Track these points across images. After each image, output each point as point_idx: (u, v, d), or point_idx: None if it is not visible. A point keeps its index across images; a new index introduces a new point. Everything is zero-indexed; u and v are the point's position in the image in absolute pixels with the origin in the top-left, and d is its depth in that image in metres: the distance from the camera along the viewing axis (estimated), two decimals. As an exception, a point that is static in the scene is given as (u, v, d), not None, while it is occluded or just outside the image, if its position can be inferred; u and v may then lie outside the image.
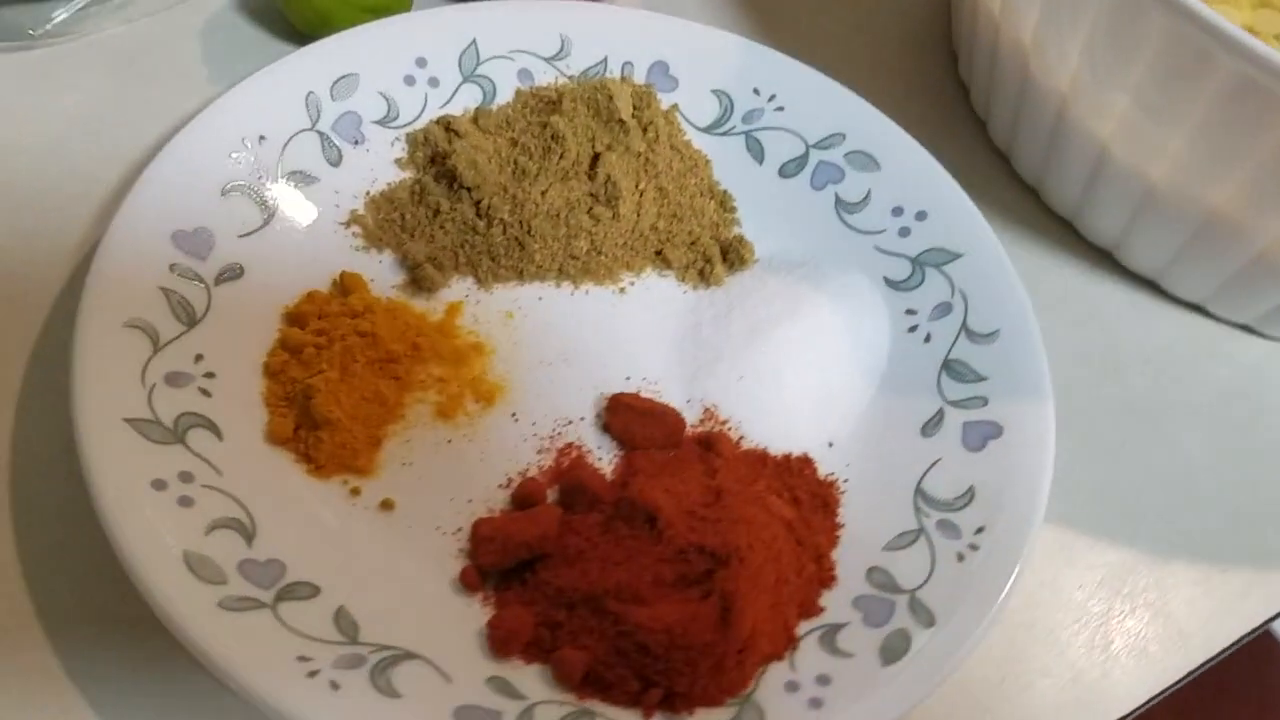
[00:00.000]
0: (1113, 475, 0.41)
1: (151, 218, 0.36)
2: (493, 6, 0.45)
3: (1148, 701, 0.36)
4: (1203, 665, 0.37)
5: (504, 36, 0.44)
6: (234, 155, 0.39)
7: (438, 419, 0.37)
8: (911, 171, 0.42)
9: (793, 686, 0.31)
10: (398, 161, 0.42)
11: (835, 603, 0.33)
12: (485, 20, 0.44)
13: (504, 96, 0.44)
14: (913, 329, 0.40)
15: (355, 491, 0.35)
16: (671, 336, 0.40)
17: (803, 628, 0.33)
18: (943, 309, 0.40)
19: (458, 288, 0.40)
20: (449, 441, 0.37)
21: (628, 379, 0.39)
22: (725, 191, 0.44)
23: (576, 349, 0.39)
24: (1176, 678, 0.37)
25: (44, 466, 0.35)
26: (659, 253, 0.42)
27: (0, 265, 0.39)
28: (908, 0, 0.54)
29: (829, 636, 0.32)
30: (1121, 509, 0.40)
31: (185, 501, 0.32)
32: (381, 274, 0.40)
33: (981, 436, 0.36)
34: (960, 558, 0.34)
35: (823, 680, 0.31)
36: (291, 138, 0.40)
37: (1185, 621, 0.38)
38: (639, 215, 0.41)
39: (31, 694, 0.31)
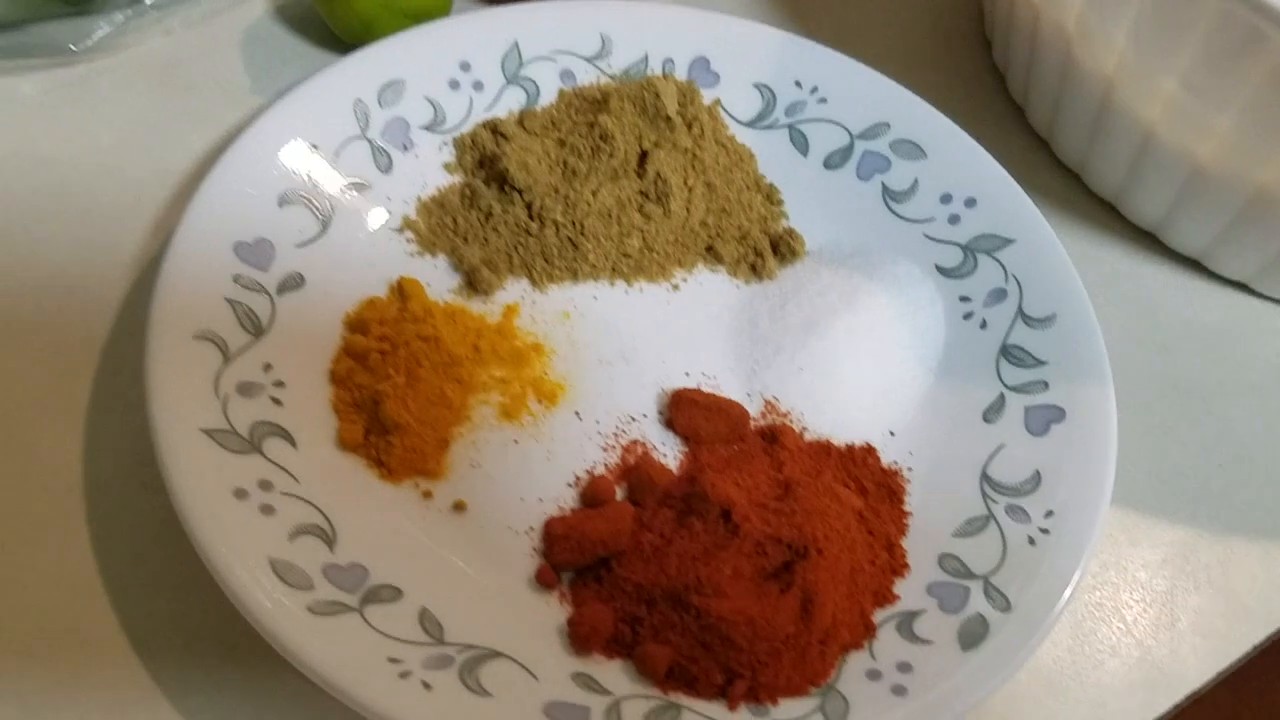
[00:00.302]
0: (1168, 455, 0.41)
1: (213, 230, 0.37)
2: (532, 8, 0.45)
3: (1216, 677, 0.36)
4: (1267, 640, 0.38)
5: (545, 37, 0.45)
6: (288, 165, 0.39)
7: (502, 420, 0.37)
8: (958, 158, 0.43)
9: (875, 674, 0.31)
10: (446, 166, 0.43)
11: (909, 590, 0.34)
12: (526, 22, 0.45)
13: (547, 97, 0.44)
14: (968, 316, 0.40)
15: (427, 495, 0.35)
16: (727, 331, 0.40)
17: (879, 616, 0.33)
18: (997, 295, 0.40)
19: (512, 289, 0.41)
20: (515, 442, 0.37)
21: (687, 374, 0.39)
22: (771, 185, 0.44)
23: (634, 346, 0.40)
24: (1242, 653, 0.37)
25: (118, 479, 0.35)
26: (709, 248, 0.42)
27: (58, 281, 0.39)
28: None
29: (906, 624, 0.33)
30: (1178, 488, 0.40)
31: (267, 509, 0.32)
32: (437, 278, 0.40)
33: (1044, 421, 0.37)
34: (1031, 541, 0.34)
35: (904, 668, 0.31)
36: (343, 146, 0.41)
37: (1247, 597, 0.38)
38: (689, 211, 0.42)
39: (123, 707, 0.32)
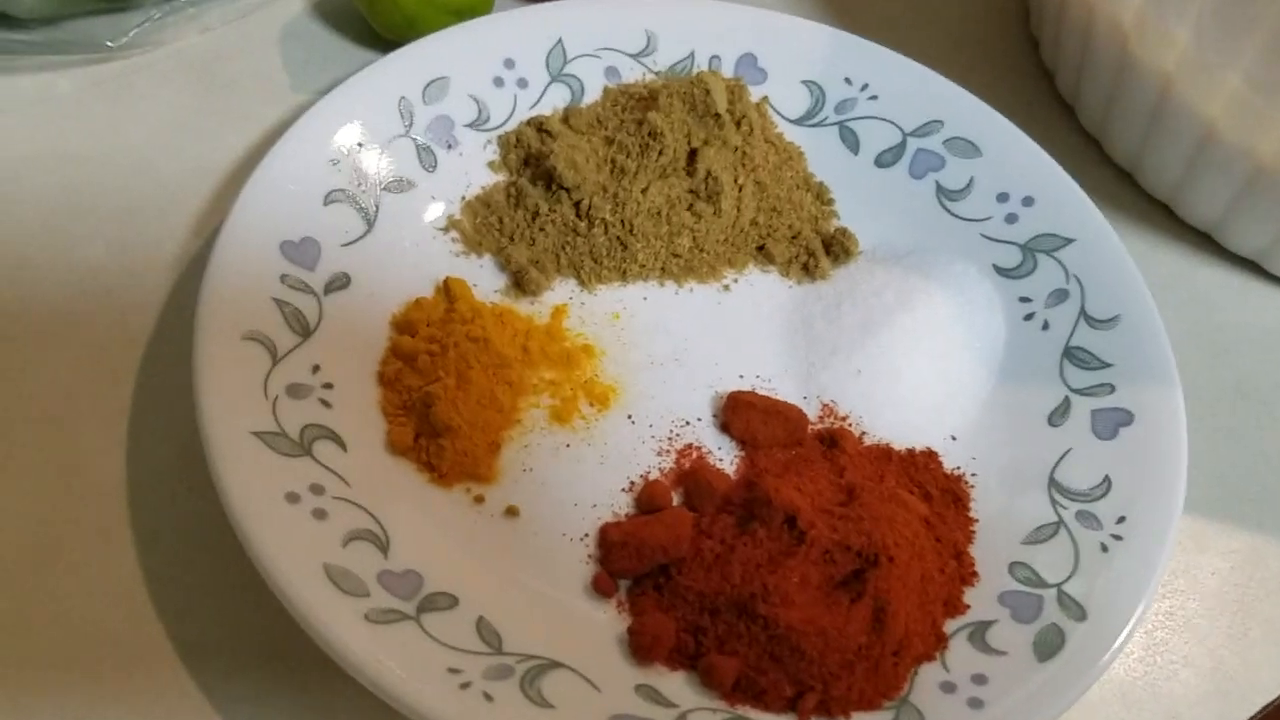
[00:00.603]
0: (1232, 459, 0.40)
1: (259, 229, 0.36)
2: (577, 4, 0.44)
3: (1291, 689, 0.35)
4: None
5: (590, 34, 0.44)
6: (334, 163, 0.38)
7: (553, 423, 0.36)
8: (1014, 156, 0.42)
9: (949, 687, 0.30)
10: (490, 164, 0.42)
11: (980, 599, 0.33)
12: (571, 19, 0.44)
13: (592, 95, 0.43)
14: (1029, 317, 0.39)
15: (479, 499, 0.34)
16: (781, 332, 0.39)
17: (950, 626, 0.32)
18: (1058, 295, 0.39)
19: (560, 290, 0.40)
20: (567, 446, 0.36)
21: (741, 377, 0.38)
22: (821, 183, 0.43)
23: (686, 348, 0.39)
24: (1316, 664, 0.36)
25: (162, 483, 0.34)
26: (761, 248, 0.41)
27: (98, 281, 0.38)
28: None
29: (978, 634, 0.32)
30: (1244, 493, 0.39)
31: (319, 514, 0.31)
32: (483, 278, 0.39)
33: (1112, 424, 0.36)
34: (1104, 549, 0.33)
35: (979, 679, 0.30)
36: (387, 144, 0.40)
37: (1319, 606, 0.37)
38: (739, 210, 0.41)
39: (170, 718, 0.31)
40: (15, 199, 0.40)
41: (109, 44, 0.44)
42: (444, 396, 0.35)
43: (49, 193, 0.40)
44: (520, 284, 0.39)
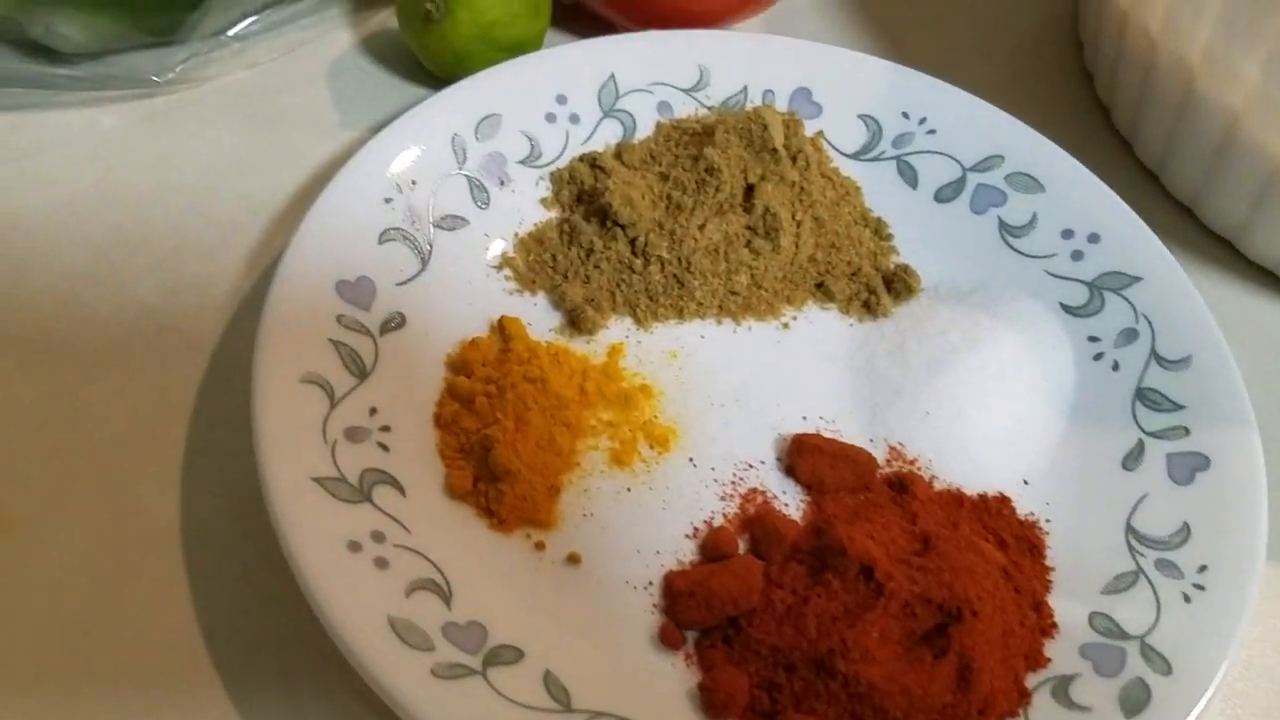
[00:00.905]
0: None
1: (315, 268, 0.35)
2: (628, 39, 0.44)
3: (1379, 745, 0.34)
4: None
5: (642, 69, 0.43)
6: (388, 201, 0.38)
7: (613, 466, 0.36)
8: (1077, 192, 0.41)
9: (1035, 744, 0.29)
10: (543, 201, 0.41)
11: (1060, 652, 0.32)
12: (622, 54, 0.43)
13: (644, 130, 0.43)
14: (1098, 357, 0.38)
15: (540, 546, 0.33)
16: (844, 372, 0.38)
17: (1032, 681, 0.31)
18: (1128, 335, 0.38)
19: (615, 328, 0.39)
20: (628, 490, 0.35)
21: (804, 418, 0.37)
22: (879, 219, 0.42)
23: (747, 388, 0.38)
24: (1403, 718, 0.35)
25: (217, 528, 0.34)
26: (820, 285, 0.40)
27: (149, 320, 0.38)
28: (1033, 16, 0.53)
29: (1061, 689, 0.31)
30: (1321, 539, 0.38)
31: (381, 563, 0.30)
32: (536, 317, 0.39)
33: (1188, 469, 0.35)
34: (1187, 599, 0.32)
35: (1065, 737, 0.29)
36: (441, 181, 0.39)
37: (1403, 657, 0.36)
38: (798, 247, 0.40)
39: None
40: (63, 238, 0.39)
41: (154, 79, 0.44)
42: (503, 439, 0.34)
43: (97, 231, 0.40)
44: (575, 322, 0.38)
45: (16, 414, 0.35)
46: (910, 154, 0.43)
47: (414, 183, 0.38)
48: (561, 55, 0.43)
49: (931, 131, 0.43)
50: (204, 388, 0.36)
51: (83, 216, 0.40)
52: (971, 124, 0.43)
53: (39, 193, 0.40)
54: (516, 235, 0.40)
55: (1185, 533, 0.34)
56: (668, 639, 0.32)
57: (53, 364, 0.36)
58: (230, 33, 0.45)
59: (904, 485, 0.35)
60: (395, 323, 0.36)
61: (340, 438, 0.32)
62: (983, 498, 0.35)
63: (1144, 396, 0.37)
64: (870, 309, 0.40)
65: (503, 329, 0.38)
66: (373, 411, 0.34)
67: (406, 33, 0.44)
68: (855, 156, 0.43)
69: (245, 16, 0.45)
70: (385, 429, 0.34)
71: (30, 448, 0.34)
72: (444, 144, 0.40)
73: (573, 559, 0.33)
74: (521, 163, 0.41)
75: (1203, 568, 0.33)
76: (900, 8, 0.52)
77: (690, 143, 0.41)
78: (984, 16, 0.53)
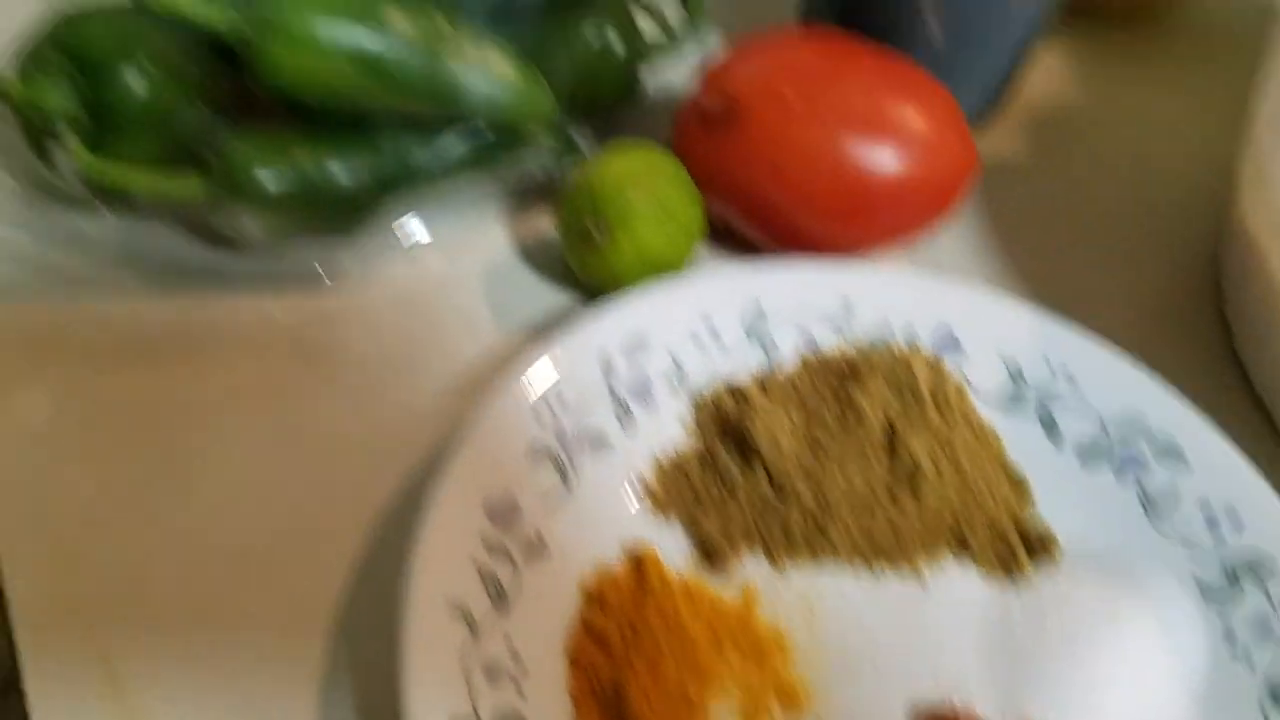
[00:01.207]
0: None
1: (466, 489, 0.36)
2: (776, 267, 0.45)
3: None
4: None
5: (787, 298, 0.44)
6: (539, 417, 0.39)
7: (742, 721, 0.35)
8: (1221, 471, 0.40)
9: None
10: (684, 426, 0.42)
11: None
12: (769, 282, 0.44)
13: (786, 358, 0.43)
14: (1231, 646, 0.37)
15: (665, 803, 0.33)
16: (979, 639, 0.37)
17: None
18: (1263, 628, 0.37)
19: (749, 568, 0.39)
20: (754, 749, 0.34)
21: (935, 686, 0.36)
22: (1018, 471, 0.42)
23: (880, 649, 0.37)
24: None
25: (345, 750, 0.34)
26: (958, 539, 0.40)
27: (294, 525, 0.38)
28: (1176, 265, 0.53)
29: None
30: None
31: (512, 818, 0.30)
32: (669, 544, 0.39)
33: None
34: None
35: None
36: (588, 398, 0.40)
37: None
38: (939, 498, 0.40)
39: None
40: (231, 432, 0.41)
41: (321, 272, 0.45)
42: (636, 686, 0.34)
43: (260, 429, 0.41)
44: (709, 557, 0.38)
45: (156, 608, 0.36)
46: (1053, 407, 0.43)
47: (564, 403, 0.39)
48: (711, 279, 0.44)
49: (1076, 387, 0.43)
50: (339, 601, 0.36)
51: (249, 411, 0.41)
52: (1116, 384, 0.42)
53: (206, 381, 0.42)
54: (656, 459, 0.41)
55: None
56: None
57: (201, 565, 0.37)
58: (406, 245, 0.47)
59: (1041, 775, 0.33)
60: (537, 546, 0.36)
61: (479, 675, 0.32)
62: (1122, 796, 0.34)
63: (1277, 697, 0.35)
64: (1007, 569, 0.39)
65: (640, 560, 0.38)
66: (510, 645, 0.34)
67: (566, 246, 0.45)
68: (997, 405, 0.43)
69: (409, 211, 0.47)
70: (518, 661, 0.34)
71: (174, 651, 0.35)
72: (593, 361, 0.41)
73: (698, 822, 0.33)
74: (666, 384, 0.42)
75: None
76: (1036, 241, 0.53)
77: (833, 379, 0.42)
78: (1118, 254, 0.53)
